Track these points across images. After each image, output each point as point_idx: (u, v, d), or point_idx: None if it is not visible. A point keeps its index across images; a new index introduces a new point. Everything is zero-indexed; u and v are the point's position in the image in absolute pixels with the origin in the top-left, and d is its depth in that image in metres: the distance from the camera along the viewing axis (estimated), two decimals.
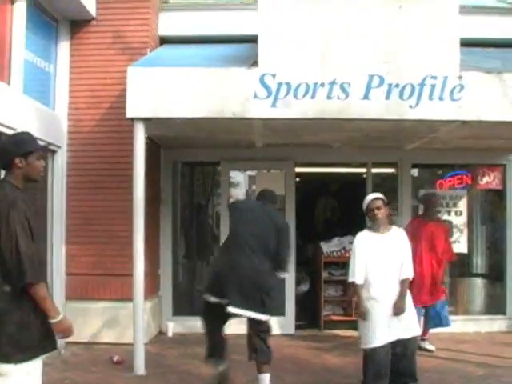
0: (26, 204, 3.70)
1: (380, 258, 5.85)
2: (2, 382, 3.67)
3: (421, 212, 8.85)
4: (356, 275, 5.86)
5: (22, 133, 4.06)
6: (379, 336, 5.75)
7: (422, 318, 8.14)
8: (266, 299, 5.77)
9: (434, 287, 8.04)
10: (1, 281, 3.57)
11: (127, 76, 6.82)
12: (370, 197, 6.09)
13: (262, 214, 6.13)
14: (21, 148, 3.76)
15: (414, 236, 7.62)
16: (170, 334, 8.96)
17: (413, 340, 5.96)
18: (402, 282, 5.80)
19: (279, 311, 8.56)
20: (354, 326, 9.48)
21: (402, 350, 5.86)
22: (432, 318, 8.21)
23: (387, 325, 5.74)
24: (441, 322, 8.21)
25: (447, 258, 8.21)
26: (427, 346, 8.09)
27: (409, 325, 5.84)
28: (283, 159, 9.37)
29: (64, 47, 8.35)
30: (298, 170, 9.72)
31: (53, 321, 3.65)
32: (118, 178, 8.08)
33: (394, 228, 6.08)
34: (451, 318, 9.17)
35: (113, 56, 8.29)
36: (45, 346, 3.77)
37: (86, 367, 6.79)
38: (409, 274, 5.87)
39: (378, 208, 5.90)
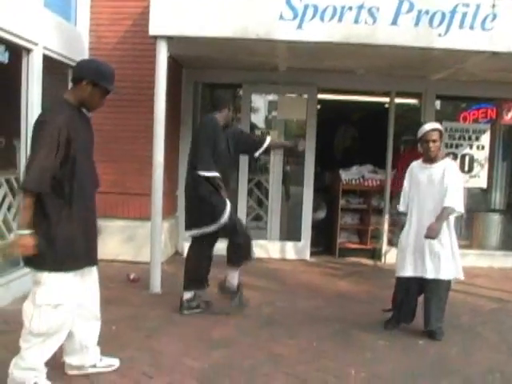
0: (71, 119, 3.76)
1: (421, 189, 5.69)
2: (37, 289, 3.81)
3: None
4: (401, 203, 5.90)
5: (109, 66, 4.11)
6: (407, 266, 5.72)
7: None
8: (201, 210, 5.95)
9: None
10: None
11: None
12: (428, 127, 5.72)
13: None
14: (99, 76, 3.87)
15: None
16: (185, 254, 9.04)
17: (441, 284, 5.62)
18: (443, 208, 5.39)
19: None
20: (368, 254, 9.60)
21: (427, 294, 5.71)
22: None
23: (418, 257, 5.66)
24: None
25: None
26: None
27: (441, 266, 5.56)
28: (306, 84, 9.22)
29: None
30: (320, 96, 9.58)
31: (18, 232, 3.75)
32: (139, 97, 8.01)
33: (446, 160, 5.76)
34: (466, 251, 9.21)
35: None
36: (81, 260, 3.93)
37: (103, 284, 6.82)
38: (450, 203, 5.38)
39: (434, 141, 5.60)
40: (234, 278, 6.20)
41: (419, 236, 5.57)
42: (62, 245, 3.75)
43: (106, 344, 4.48)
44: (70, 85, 4.05)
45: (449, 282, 5.69)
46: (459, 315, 6.56)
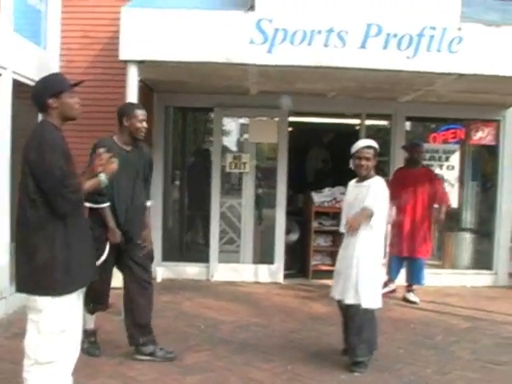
0: (64, 142, 3.80)
1: (350, 208, 5.50)
2: (38, 316, 3.68)
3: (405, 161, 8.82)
4: (341, 224, 5.68)
5: (51, 74, 4.13)
6: (334, 287, 5.59)
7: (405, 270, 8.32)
8: None
9: (418, 240, 8.11)
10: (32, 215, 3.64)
11: (121, 17, 6.65)
12: (363, 143, 5.51)
13: None
14: (51, 88, 3.80)
15: (399, 185, 7.92)
16: (159, 279, 8.98)
17: (358, 310, 5.25)
18: (363, 208, 5.22)
19: None
20: None
21: (349, 320, 5.40)
22: (411, 273, 8.30)
23: (341, 278, 5.43)
24: (419, 279, 8.27)
25: (443, 202, 8.25)
26: (412, 297, 8.17)
27: (360, 292, 5.23)
28: (277, 107, 9.26)
29: None
30: (292, 119, 9.63)
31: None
32: (110, 122, 7.92)
33: (374, 178, 5.45)
34: (438, 271, 9.33)
35: None
36: (83, 279, 3.85)
37: None
38: (369, 203, 5.19)
39: (367, 159, 5.36)
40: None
41: (344, 257, 5.45)
42: (62, 266, 3.63)
43: (78, 371, 4.41)
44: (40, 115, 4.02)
45: (369, 310, 5.29)
46: (433, 335, 6.60)
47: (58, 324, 3.68)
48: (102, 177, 3.86)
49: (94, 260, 4.06)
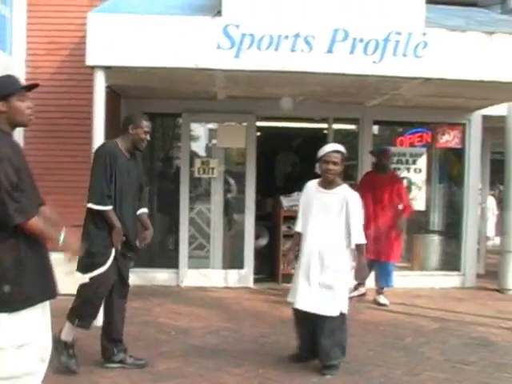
0: (13, 148, 3.58)
1: (314, 214, 5.36)
2: None
3: (372, 167, 8.92)
4: (298, 223, 5.60)
5: (2, 76, 3.89)
6: (299, 298, 5.33)
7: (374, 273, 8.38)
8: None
9: (386, 244, 8.20)
10: None
11: (87, 22, 6.61)
12: (330, 147, 5.41)
13: None
14: (1, 91, 3.61)
15: (365, 189, 7.97)
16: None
17: (326, 320, 5.23)
18: (357, 246, 5.29)
19: None
20: None
21: (318, 324, 5.30)
22: (380, 276, 8.37)
23: (312, 286, 5.27)
24: (387, 281, 8.35)
25: (407, 210, 8.36)
26: (382, 300, 8.24)
27: (336, 297, 5.24)
28: (245, 112, 9.29)
29: None
30: (260, 123, 9.66)
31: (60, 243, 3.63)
32: (77, 128, 7.93)
33: (345, 187, 5.41)
34: (407, 273, 9.43)
35: (73, 1, 8.04)
36: (41, 293, 3.69)
37: None
38: (360, 239, 5.29)
39: (334, 163, 5.26)
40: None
41: (312, 266, 5.29)
42: (16, 281, 3.49)
43: (50, 381, 4.36)
44: None
45: (341, 313, 5.29)
46: (402, 336, 6.65)
47: (16, 339, 3.54)
48: (61, 237, 3.67)
49: (53, 275, 3.91)
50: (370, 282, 8.41)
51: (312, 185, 5.54)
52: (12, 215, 3.42)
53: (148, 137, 5.21)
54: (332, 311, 5.20)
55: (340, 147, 5.43)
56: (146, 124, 5.14)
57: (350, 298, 8.10)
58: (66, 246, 3.68)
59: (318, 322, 5.26)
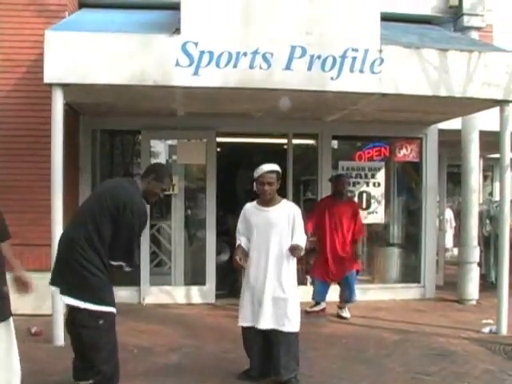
0: None
1: (257, 233, 5.39)
2: None
3: (331, 192, 8.95)
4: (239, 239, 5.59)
5: None
6: (252, 316, 5.37)
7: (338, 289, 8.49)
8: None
9: (342, 264, 8.31)
10: None
11: (45, 40, 6.59)
12: (265, 168, 5.38)
13: None
14: None
15: (323, 213, 8.31)
16: None
17: (288, 334, 5.27)
18: (297, 244, 5.26)
19: None
20: None
21: (274, 343, 5.31)
22: (342, 291, 8.45)
23: (262, 306, 5.28)
24: (350, 295, 8.42)
25: (360, 235, 8.55)
26: (343, 313, 8.31)
27: (291, 317, 5.28)
28: (205, 128, 9.29)
29: None
30: (220, 139, 9.67)
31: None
32: (35, 146, 7.83)
33: (288, 203, 5.57)
34: (368, 286, 9.52)
35: (29, 18, 7.95)
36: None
37: None
38: (299, 240, 5.30)
39: (270, 184, 5.31)
40: None
41: (257, 285, 5.34)
42: None
43: None
44: None
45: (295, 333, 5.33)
46: (365, 349, 6.70)
47: None
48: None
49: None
50: (331, 296, 8.48)
51: (251, 206, 5.58)
52: None
53: (161, 196, 4.94)
54: (289, 327, 5.24)
55: (275, 167, 5.44)
56: (167, 182, 4.88)
57: (310, 313, 8.25)
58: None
59: (274, 338, 5.27)
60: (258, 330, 5.28)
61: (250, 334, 5.39)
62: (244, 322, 5.43)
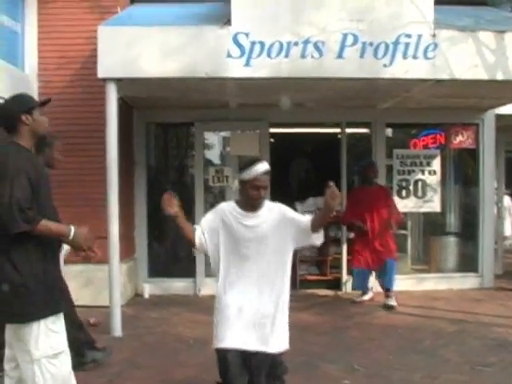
0: (33, 163, 3.66)
1: (250, 242, 4.19)
2: (27, 345, 3.57)
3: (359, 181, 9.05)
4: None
5: (21, 93, 4.04)
6: (229, 336, 4.17)
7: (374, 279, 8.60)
8: None
9: (380, 247, 8.31)
10: None
11: (98, 36, 6.70)
12: (261, 168, 4.07)
13: None
14: (24, 105, 3.77)
15: (357, 203, 8.39)
16: (146, 295, 8.96)
17: (268, 357, 4.22)
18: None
19: None
20: (328, 285, 9.64)
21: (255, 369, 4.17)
22: (382, 279, 8.40)
23: (252, 327, 4.20)
24: (388, 282, 8.35)
25: (394, 221, 8.49)
26: (390, 302, 8.23)
27: (283, 336, 4.36)
28: (257, 119, 9.31)
29: (31, 5, 8.11)
30: (273, 130, 9.67)
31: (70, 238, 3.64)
32: (90, 140, 7.97)
33: (269, 203, 4.39)
34: (424, 275, 9.40)
35: (82, 15, 8.10)
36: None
37: None
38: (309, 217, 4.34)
39: (265, 188, 4.15)
40: None
41: (258, 307, 4.23)
42: (50, 284, 3.58)
43: None
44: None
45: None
46: (421, 339, 6.61)
47: (51, 347, 3.61)
48: (72, 231, 3.62)
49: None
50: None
51: (231, 211, 4.25)
52: (19, 224, 3.44)
53: None
54: (279, 346, 4.32)
55: (268, 166, 4.17)
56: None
57: (358, 303, 8.22)
58: (76, 238, 3.66)
59: (257, 360, 4.20)
60: (240, 353, 4.17)
61: (231, 355, 4.13)
62: (225, 343, 4.19)
